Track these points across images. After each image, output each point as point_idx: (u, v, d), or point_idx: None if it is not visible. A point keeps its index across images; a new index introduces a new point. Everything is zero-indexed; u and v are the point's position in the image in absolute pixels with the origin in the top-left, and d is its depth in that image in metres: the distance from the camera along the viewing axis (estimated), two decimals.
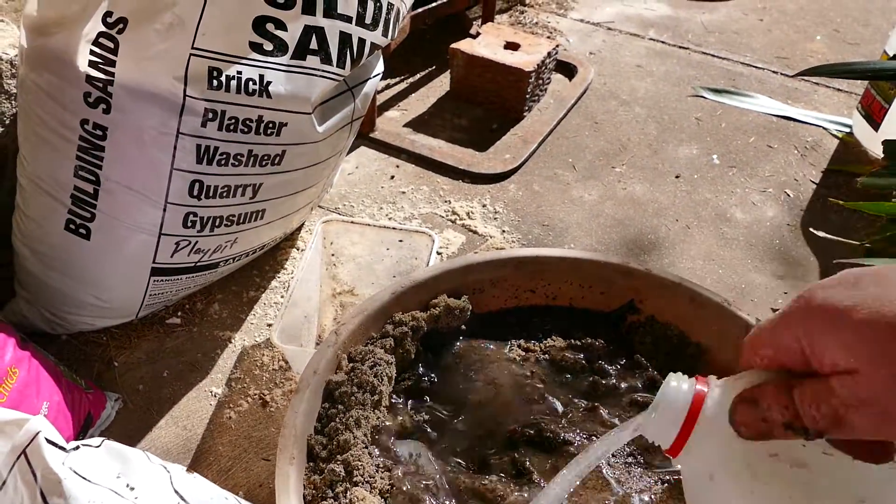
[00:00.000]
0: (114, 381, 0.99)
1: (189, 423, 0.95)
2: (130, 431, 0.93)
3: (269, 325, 1.10)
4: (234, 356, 1.04)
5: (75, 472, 0.50)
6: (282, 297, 1.15)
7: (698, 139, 1.70)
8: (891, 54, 1.56)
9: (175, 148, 0.85)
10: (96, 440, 0.56)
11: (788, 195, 1.53)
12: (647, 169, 1.57)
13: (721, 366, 0.84)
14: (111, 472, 0.53)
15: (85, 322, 1.00)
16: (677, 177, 1.56)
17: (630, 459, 0.71)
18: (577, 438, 0.72)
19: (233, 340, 1.07)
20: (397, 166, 1.49)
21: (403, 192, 1.41)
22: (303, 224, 1.27)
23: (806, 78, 2.03)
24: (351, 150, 1.52)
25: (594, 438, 0.72)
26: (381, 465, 0.67)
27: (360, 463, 0.64)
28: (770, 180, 1.58)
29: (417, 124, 1.65)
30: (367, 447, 0.68)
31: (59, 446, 0.51)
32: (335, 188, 1.40)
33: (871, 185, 1.05)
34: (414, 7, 1.65)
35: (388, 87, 1.80)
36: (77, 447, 0.53)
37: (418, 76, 1.86)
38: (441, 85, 1.82)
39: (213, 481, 0.87)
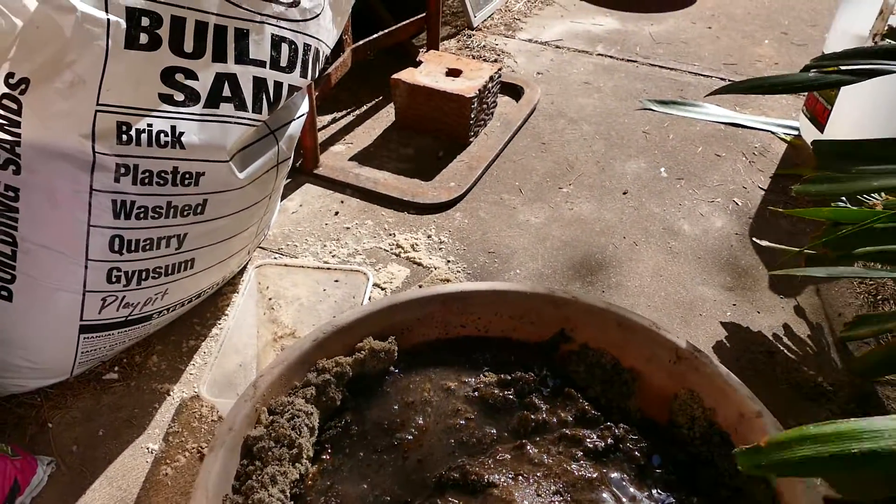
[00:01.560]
0: (48, 443, 0.97)
1: (124, 482, 0.93)
2: (63, 496, 0.91)
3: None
4: (173, 409, 1.03)
5: None
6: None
7: (646, 153, 1.71)
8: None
9: (90, 205, 0.84)
10: None
11: (737, 204, 1.54)
12: (594, 187, 1.58)
13: (656, 390, 0.84)
14: None
15: (17, 384, 0.99)
16: (625, 193, 1.56)
17: (557, 498, 0.70)
18: (503, 479, 0.71)
19: (171, 393, 1.05)
20: (342, 202, 1.49)
21: (348, 228, 1.41)
22: (245, 267, 1.26)
23: None
24: (295, 189, 1.51)
25: (520, 479, 0.71)
26: None
27: None
28: (718, 190, 1.59)
29: (363, 157, 1.65)
30: None
31: None
32: (279, 227, 1.40)
33: (805, 193, 1.06)
34: (355, 39, 1.65)
35: (333, 120, 1.80)
36: None
37: (364, 108, 1.86)
38: (388, 115, 1.82)
39: None
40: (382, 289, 1.24)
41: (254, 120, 0.93)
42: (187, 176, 0.89)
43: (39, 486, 0.91)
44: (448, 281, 1.27)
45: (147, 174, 0.86)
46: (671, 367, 0.83)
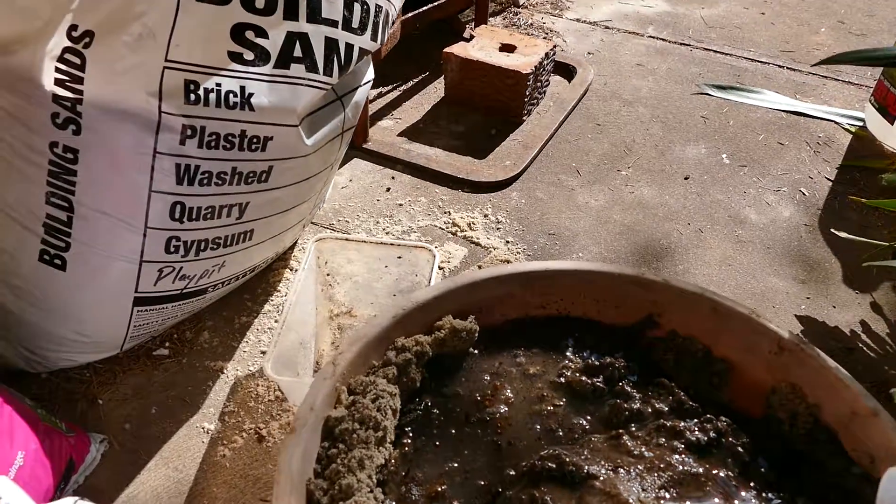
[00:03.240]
0: (98, 420, 0.93)
1: (180, 463, 0.89)
2: (117, 476, 0.87)
3: (263, 353, 1.04)
4: (227, 388, 0.99)
5: None
6: (275, 321, 1.09)
7: (706, 138, 1.65)
8: None
9: (153, 169, 0.80)
10: (69, 500, 0.50)
11: (804, 194, 1.48)
12: (654, 171, 1.52)
13: (752, 383, 0.79)
14: None
15: (66, 358, 0.95)
16: (686, 178, 1.50)
17: (663, 493, 0.65)
18: (603, 472, 0.66)
19: (225, 371, 1.01)
20: (393, 178, 1.44)
21: (400, 205, 1.36)
22: (296, 243, 1.22)
23: (814, 71, 1.98)
24: (344, 163, 1.47)
25: (621, 471, 0.67)
26: None
27: None
28: (783, 179, 1.52)
29: (412, 133, 1.60)
30: (371, 491, 0.62)
31: None
32: (328, 203, 1.35)
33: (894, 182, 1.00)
34: (404, 12, 1.60)
35: (380, 95, 1.75)
36: None
37: (411, 83, 1.81)
38: (436, 91, 1.77)
39: None
40: (440, 269, 1.19)
41: (324, 83, 0.88)
42: (255, 140, 0.84)
43: (93, 465, 0.87)
44: (508, 261, 1.22)
45: (214, 137, 0.81)
46: (771, 359, 0.77)
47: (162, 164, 0.80)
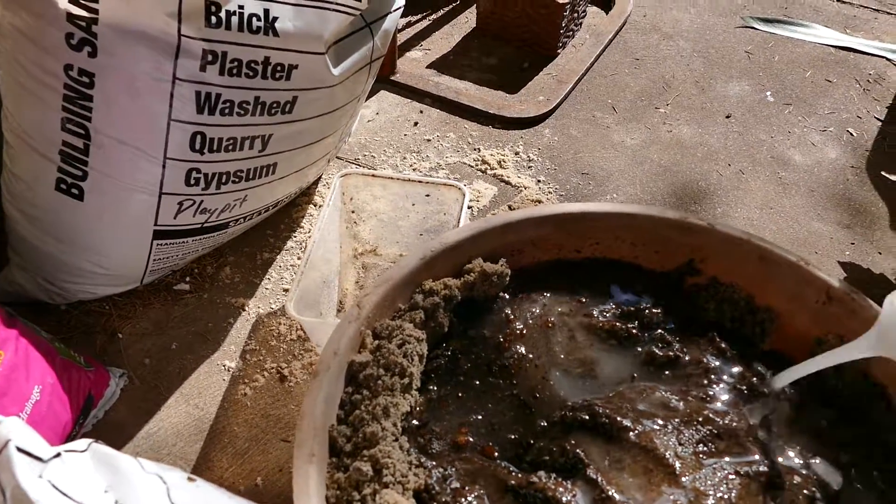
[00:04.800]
0: (118, 354, 0.92)
1: (201, 400, 0.88)
2: (137, 411, 0.86)
3: (286, 291, 1.02)
4: (249, 325, 0.97)
5: (54, 487, 0.43)
6: (298, 258, 1.07)
7: (749, 75, 1.57)
8: None
9: (172, 96, 0.76)
10: (82, 443, 0.48)
11: (851, 134, 1.41)
12: (694, 109, 1.46)
13: (796, 333, 0.75)
14: (97, 487, 0.45)
15: (85, 290, 0.93)
16: (728, 117, 1.44)
17: (701, 447, 0.62)
18: (638, 425, 0.64)
19: (246, 308, 0.99)
20: (421, 111, 1.39)
21: (428, 140, 1.32)
22: (320, 177, 1.18)
23: (866, 4, 1.88)
24: (370, 95, 1.42)
25: (657, 424, 0.64)
26: (414, 462, 0.60)
27: (389, 460, 0.56)
28: (830, 118, 1.45)
29: (442, 65, 1.54)
30: (397, 439, 0.60)
31: (35, 456, 0.44)
32: (354, 137, 1.31)
33: None
34: None
35: (408, 24, 1.68)
36: (58, 454, 0.46)
37: (442, 12, 1.74)
38: (466, 21, 1.70)
39: (229, 466, 0.81)
40: (469, 208, 1.16)
41: (353, 8, 0.83)
42: (279, 68, 0.80)
43: (112, 399, 0.86)
44: (540, 202, 1.18)
45: (236, 64, 0.77)
46: (819, 309, 0.74)
47: (181, 91, 0.76)
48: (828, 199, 1.25)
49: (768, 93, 1.52)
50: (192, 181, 0.84)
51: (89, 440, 0.49)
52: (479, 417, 0.67)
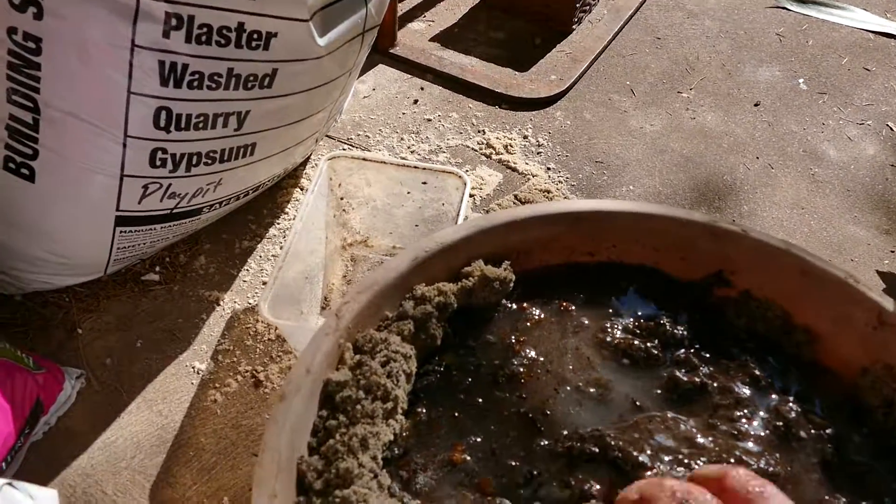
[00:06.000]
0: (76, 352, 0.85)
1: (165, 407, 0.81)
2: (94, 417, 0.79)
3: (265, 284, 0.94)
4: (223, 322, 0.90)
5: None
6: (281, 248, 0.99)
7: (781, 59, 1.48)
8: None
9: (131, 66, 0.68)
10: None
11: (891, 129, 1.32)
12: (719, 95, 1.37)
13: (838, 360, 0.67)
14: None
15: (40, 280, 0.86)
16: (756, 105, 1.35)
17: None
18: (658, 463, 0.56)
19: (221, 302, 0.92)
20: (422, 88, 1.31)
21: (429, 120, 1.23)
22: (308, 158, 1.10)
23: None
24: (367, 69, 1.34)
25: (678, 462, 0.56)
26: None
27: None
28: (868, 110, 1.37)
29: (446, 38, 1.45)
30: (375, 476, 0.52)
31: None
32: (348, 114, 1.23)
33: None
34: None
35: None
36: None
37: None
38: None
39: (193, 483, 0.74)
40: (471, 196, 1.08)
41: None
42: (255, 36, 0.72)
43: (67, 404, 0.79)
44: (549, 192, 1.10)
45: (205, 30, 0.69)
46: (868, 334, 0.65)
47: (142, 60, 0.68)
48: (865, 200, 1.17)
49: (801, 80, 1.43)
50: (158, 162, 0.77)
51: (4, 480, 0.42)
52: (479, 440, 0.60)
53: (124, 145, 0.73)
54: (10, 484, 0.42)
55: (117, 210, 0.79)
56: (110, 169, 0.75)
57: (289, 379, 0.54)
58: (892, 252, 1.08)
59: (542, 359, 0.65)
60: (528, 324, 0.68)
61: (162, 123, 0.73)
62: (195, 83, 0.71)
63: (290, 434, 0.52)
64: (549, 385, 0.63)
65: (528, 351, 0.65)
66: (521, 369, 0.64)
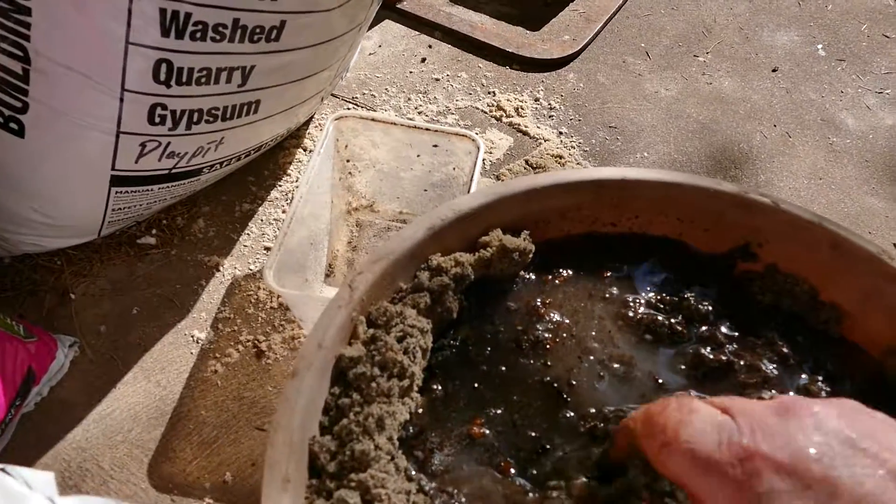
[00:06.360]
0: (69, 319, 0.82)
1: (164, 377, 0.78)
2: (89, 388, 0.77)
3: (267, 249, 0.91)
4: (223, 289, 0.86)
5: None
6: (283, 211, 0.96)
7: (799, 23, 1.44)
8: None
9: (130, 13, 0.64)
10: None
11: None
12: (736, 59, 1.33)
13: (865, 337, 0.65)
14: None
15: (30, 242, 0.82)
16: (774, 70, 1.31)
17: None
18: None
19: (221, 268, 0.88)
20: (430, 46, 1.26)
21: (437, 80, 1.19)
22: (312, 118, 1.06)
23: None
24: (373, 24, 1.28)
25: None
26: (413, 489, 0.50)
27: (383, 490, 0.46)
28: (888, 79, 1.33)
29: None
30: (392, 458, 0.50)
31: None
32: (352, 72, 1.19)
33: None
34: None
35: None
36: None
37: None
38: None
39: (193, 458, 0.71)
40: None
41: None
42: None
43: (60, 374, 0.76)
44: (561, 158, 1.06)
45: None
46: None
47: (142, 7, 0.64)
48: (884, 170, 1.14)
49: (819, 46, 1.39)
50: (157, 119, 0.73)
51: None
52: (499, 411, 0.58)
53: (121, 100, 0.69)
54: (2, 470, 0.39)
55: (113, 169, 0.76)
56: (106, 125, 0.71)
57: (301, 354, 0.52)
58: None
59: (567, 321, 0.62)
60: (557, 282, 0.66)
61: (162, 77, 0.69)
62: (198, 34, 0.67)
63: (302, 414, 0.49)
64: (574, 353, 0.61)
65: (553, 314, 0.63)
66: (547, 334, 0.61)
